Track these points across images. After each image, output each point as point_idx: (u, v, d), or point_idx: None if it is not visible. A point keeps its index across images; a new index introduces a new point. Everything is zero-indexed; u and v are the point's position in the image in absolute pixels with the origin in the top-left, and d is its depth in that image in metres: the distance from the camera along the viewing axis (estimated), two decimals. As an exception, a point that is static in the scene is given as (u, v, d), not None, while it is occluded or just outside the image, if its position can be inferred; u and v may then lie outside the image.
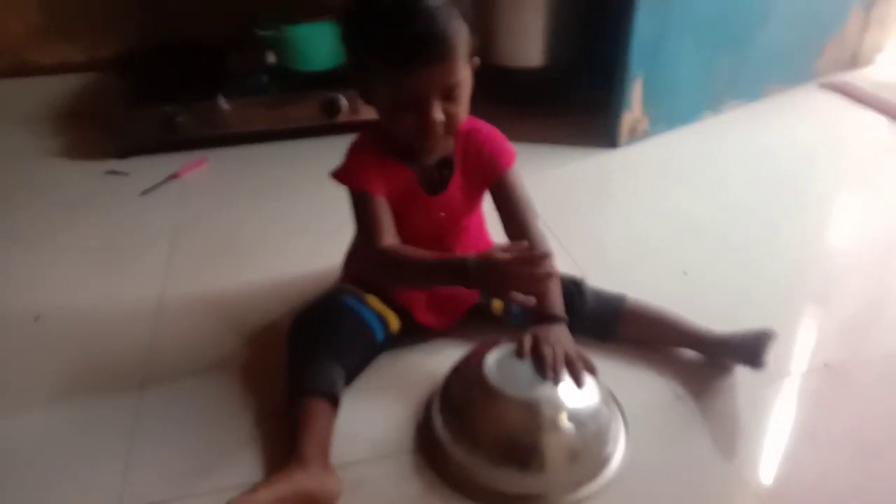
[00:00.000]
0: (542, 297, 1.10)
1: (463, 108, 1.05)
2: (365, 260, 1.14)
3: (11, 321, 1.34)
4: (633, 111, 1.93)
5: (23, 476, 1.02)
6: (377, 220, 1.08)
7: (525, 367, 1.04)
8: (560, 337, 1.08)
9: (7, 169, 1.94)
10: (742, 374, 1.17)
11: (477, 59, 1.06)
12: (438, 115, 1.01)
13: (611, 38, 1.92)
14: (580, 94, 2.18)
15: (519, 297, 0.96)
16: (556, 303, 1.13)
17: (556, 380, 1.01)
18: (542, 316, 1.11)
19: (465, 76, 1.02)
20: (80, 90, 2.20)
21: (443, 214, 1.16)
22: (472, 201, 1.20)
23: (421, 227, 1.14)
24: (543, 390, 1.00)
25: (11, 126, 2.14)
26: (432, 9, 0.96)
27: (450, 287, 1.15)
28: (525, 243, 0.98)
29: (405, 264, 1.05)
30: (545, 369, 1.02)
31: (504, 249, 0.97)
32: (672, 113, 2.03)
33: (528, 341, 1.06)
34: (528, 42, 2.08)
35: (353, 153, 1.14)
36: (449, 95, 1.01)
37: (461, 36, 0.99)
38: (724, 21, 1.98)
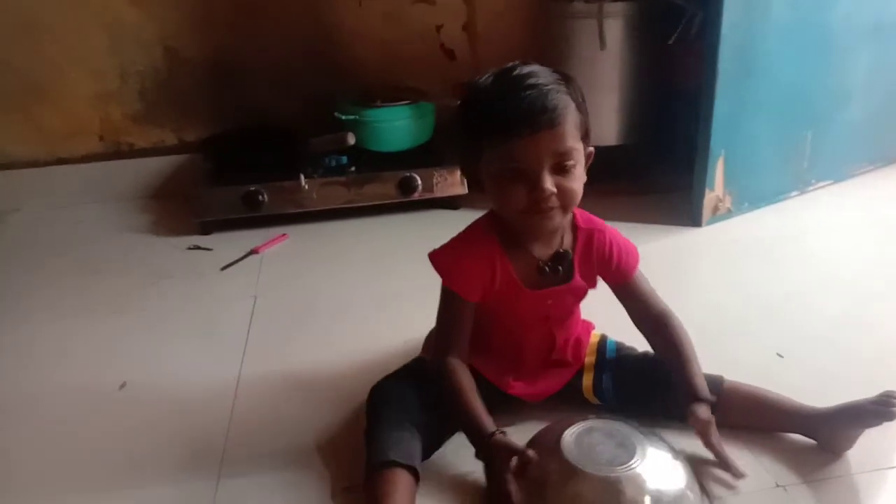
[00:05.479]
0: (691, 375, 1.10)
1: (576, 183, 1.03)
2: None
3: (98, 387, 1.37)
4: (716, 189, 1.90)
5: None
6: (453, 330, 1.11)
7: (605, 444, 0.99)
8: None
9: (97, 243, 2.01)
10: (851, 462, 1.08)
11: (592, 149, 1.07)
12: (549, 185, 1.00)
13: (687, 117, 1.91)
14: (658, 171, 2.17)
15: None
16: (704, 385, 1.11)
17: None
18: (699, 398, 1.09)
19: (576, 149, 1.02)
20: (170, 171, 2.30)
21: (550, 302, 1.15)
22: (584, 292, 1.19)
23: (525, 314, 1.15)
24: (624, 469, 0.95)
25: (104, 204, 2.24)
26: (542, 84, 0.99)
27: (542, 361, 1.18)
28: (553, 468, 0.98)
29: (449, 392, 1.07)
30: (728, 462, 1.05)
31: (534, 444, 1.01)
32: (756, 192, 1.99)
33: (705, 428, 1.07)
34: (604, 121, 2.09)
35: (461, 241, 1.13)
36: (560, 167, 1.01)
37: (570, 110, 1.01)
38: (804, 100, 1.96)
